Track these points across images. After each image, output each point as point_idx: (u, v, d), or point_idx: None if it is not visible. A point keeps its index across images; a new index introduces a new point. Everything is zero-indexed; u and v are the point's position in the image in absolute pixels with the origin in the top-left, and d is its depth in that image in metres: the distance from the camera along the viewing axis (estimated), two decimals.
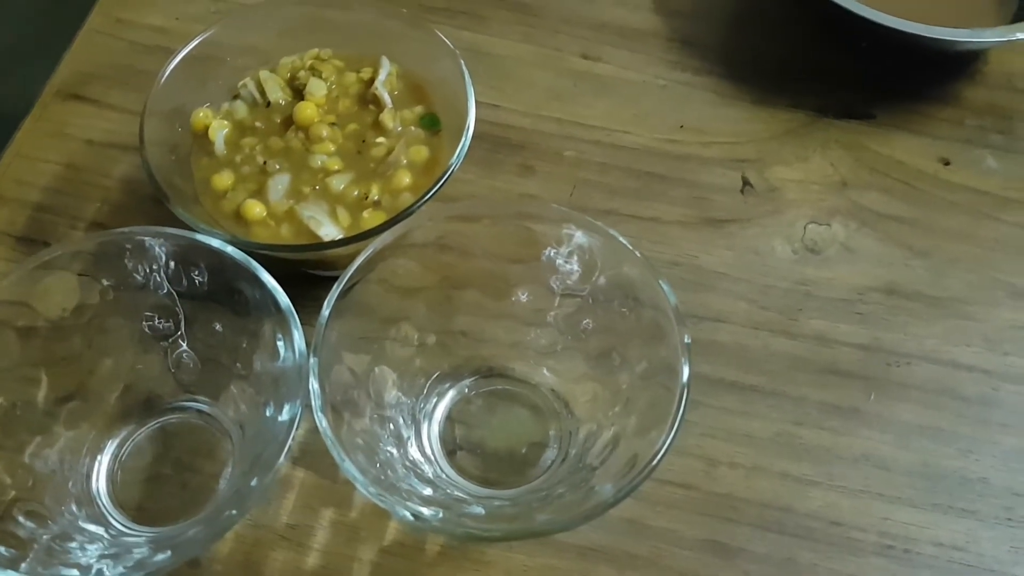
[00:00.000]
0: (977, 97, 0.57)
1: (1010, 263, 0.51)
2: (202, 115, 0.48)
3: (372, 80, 0.48)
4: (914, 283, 0.50)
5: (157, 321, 0.45)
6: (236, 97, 0.49)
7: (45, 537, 0.39)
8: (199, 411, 0.46)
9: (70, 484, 0.43)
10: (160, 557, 0.37)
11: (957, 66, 0.58)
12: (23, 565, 0.36)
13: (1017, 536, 0.44)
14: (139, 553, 0.39)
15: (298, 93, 0.48)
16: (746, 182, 0.54)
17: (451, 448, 0.45)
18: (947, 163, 0.54)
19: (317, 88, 0.48)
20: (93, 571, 0.37)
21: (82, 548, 0.39)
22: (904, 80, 0.57)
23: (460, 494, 0.42)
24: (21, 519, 0.39)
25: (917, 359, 0.48)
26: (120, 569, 0.37)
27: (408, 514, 0.36)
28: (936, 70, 0.57)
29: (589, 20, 0.59)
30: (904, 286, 0.50)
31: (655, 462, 0.36)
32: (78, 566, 0.37)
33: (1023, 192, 0.53)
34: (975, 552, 0.44)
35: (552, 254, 0.42)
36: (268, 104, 0.48)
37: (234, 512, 0.37)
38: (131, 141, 0.47)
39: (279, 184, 0.46)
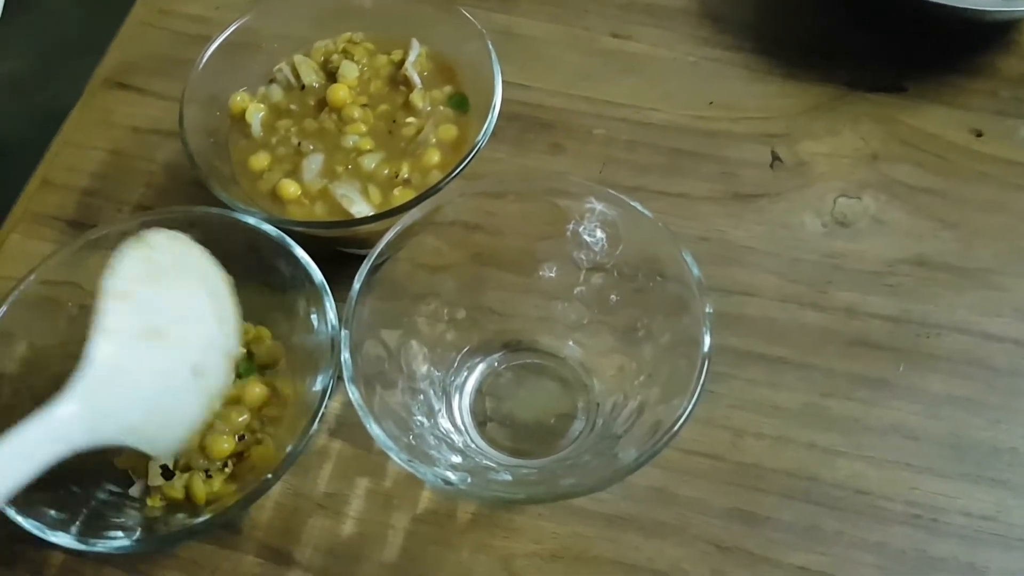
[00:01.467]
0: (1011, 68, 0.56)
1: None
2: (239, 99, 0.50)
3: (402, 62, 0.50)
4: (944, 255, 0.50)
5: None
6: (272, 81, 0.50)
7: (94, 503, 0.41)
8: None
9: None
10: (200, 519, 0.39)
11: (990, 37, 0.57)
12: (72, 528, 0.38)
13: None
14: (179, 517, 0.41)
15: (331, 76, 0.50)
16: (776, 157, 0.54)
17: (481, 420, 0.46)
18: (979, 135, 0.54)
19: (349, 71, 0.49)
20: (136, 536, 0.39)
21: (127, 515, 0.41)
22: (935, 52, 0.56)
23: (489, 462, 0.43)
24: (74, 488, 0.41)
25: (947, 330, 0.48)
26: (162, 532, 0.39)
27: (438, 480, 0.38)
28: (968, 41, 0.57)
29: None
30: (934, 258, 0.50)
31: (676, 428, 0.37)
32: (122, 527, 0.39)
33: None
34: (1004, 522, 0.44)
35: (577, 228, 0.43)
36: (302, 87, 0.50)
37: (269, 477, 0.38)
38: (173, 127, 0.49)
39: (313, 164, 0.47)
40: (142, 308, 0.38)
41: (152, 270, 0.39)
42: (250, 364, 0.45)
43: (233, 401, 0.43)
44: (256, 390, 0.44)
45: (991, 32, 0.57)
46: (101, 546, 0.37)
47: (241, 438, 0.43)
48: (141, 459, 0.42)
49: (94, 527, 0.39)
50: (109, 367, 0.36)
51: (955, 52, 0.57)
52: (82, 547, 0.37)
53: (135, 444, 0.37)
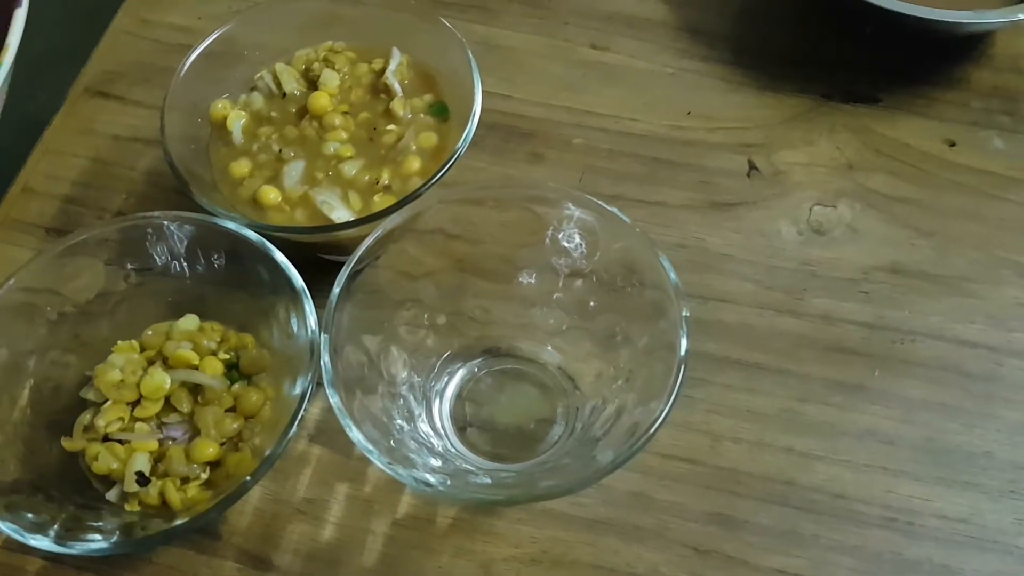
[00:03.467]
0: (983, 79, 0.57)
1: (1015, 242, 0.51)
2: (220, 106, 0.50)
3: (383, 70, 0.50)
4: (919, 262, 0.51)
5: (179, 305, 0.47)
6: (253, 89, 0.51)
7: (71, 507, 0.40)
8: None
9: None
10: (176, 523, 0.39)
11: (963, 49, 0.58)
12: (51, 531, 0.38)
13: (1021, 508, 0.45)
14: (156, 522, 0.40)
15: (312, 84, 0.50)
16: (752, 166, 0.55)
17: (461, 425, 0.46)
18: (952, 145, 0.55)
19: (330, 79, 0.50)
20: (114, 539, 0.39)
21: (105, 519, 0.41)
22: (910, 64, 0.57)
23: (469, 466, 0.43)
24: (52, 492, 0.41)
25: (922, 336, 0.49)
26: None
27: (418, 482, 0.38)
28: (942, 53, 0.58)
29: (598, 11, 0.61)
30: (909, 265, 0.51)
31: (653, 430, 0.37)
32: (100, 531, 0.39)
33: None
34: (978, 524, 0.44)
35: (556, 235, 0.44)
36: (284, 95, 0.50)
37: (248, 479, 0.38)
38: (155, 135, 0.49)
39: (294, 171, 0.48)
40: None
41: None
42: (236, 372, 0.45)
43: (228, 408, 0.43)
44: (253, 398, 0.43)
45: (964, 44, 0.58)
46: (79, 549, 0.37)
47: (222, 444, 0.43)
48: (118, 465, 0.42)
49: (72, 531, 0.39)
50: None
51: (929, 64, 0.58)
52: (60, 550, 0.37)
53: None
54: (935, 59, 0.58)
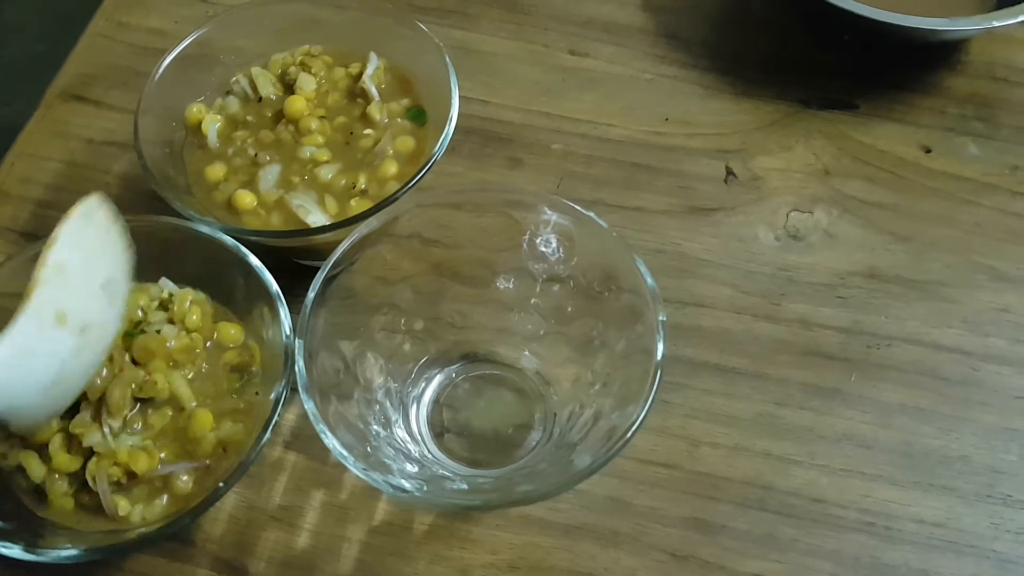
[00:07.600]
0: (959, 86, 0.58)
1: (990, 247, 0.52)
2: (195, 110, 0.50)
3: (360, 75, 0.50)
4: (895, 267, 0.51)
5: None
6: (229, 93, 0.50)
7: (42, 514, 0.40)
8: None
9: None
10: (150, 530, 0.38)
11: (939, 56, 0.59)
12: (21, 539, 0.37)
13: (997, 512, 0.45)
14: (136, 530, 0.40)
15: (289, 88, 0.50)
16: (730, 172, 0.55)
17: (439, 431, 0.46)
18: (928, 151, 0.55)
19: (307, 83, 0.49)
20: (86, 546, 0.38)
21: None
22: (886, 71, 0.58)
23: (446, 472, 0.43)
24: (22, 499, 0.41)
25: (898, 341, 0.49)
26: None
27: (393, 488, 0.37)
28: (918, 60, 0.58)
29: (577, 17, 0.61)
30: (885, 270, 0.51)
31: (630, 434, 0.37)
32: (71, 538, 0.38)
33: (1003, 178, 0.54)
34: (955, 528, 0.44)
35: (533, 240, 0.43)
36: (260, 99, 0.50)
37: (221, 485, 0.38)
38: (129, 139, 0.48)
39: (269, 175, 0.47)
40: (69, 286, 0.38)
41: (88, 238, 0.39)
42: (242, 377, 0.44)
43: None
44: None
45: (939, 51, 0.59)
46: (50, 556, 0.37)
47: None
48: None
49: (42, 538, 0.38)
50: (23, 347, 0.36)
51: (905, 71, 0.58)
52: (31, 558, 0.37)
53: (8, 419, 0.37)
54: (911, 66, 0.58)
